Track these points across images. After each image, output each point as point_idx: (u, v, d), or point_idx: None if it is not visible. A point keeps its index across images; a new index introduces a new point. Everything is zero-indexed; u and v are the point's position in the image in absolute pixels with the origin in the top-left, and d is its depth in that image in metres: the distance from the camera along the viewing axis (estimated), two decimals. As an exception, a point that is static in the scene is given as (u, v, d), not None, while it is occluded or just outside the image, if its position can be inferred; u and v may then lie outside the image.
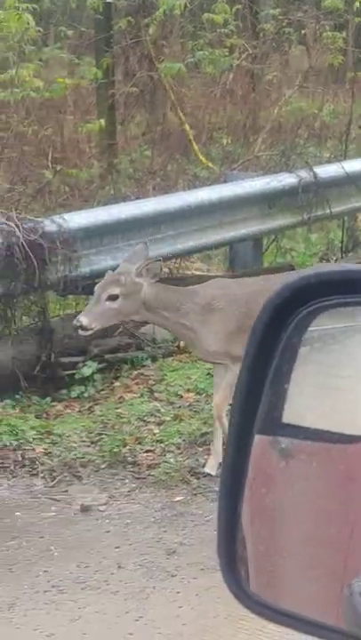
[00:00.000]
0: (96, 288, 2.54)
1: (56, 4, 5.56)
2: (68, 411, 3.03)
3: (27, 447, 2.69)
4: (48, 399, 3.09)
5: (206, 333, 2.55)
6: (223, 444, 2.37)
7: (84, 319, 2.42)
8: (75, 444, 2.67)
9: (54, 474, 2.47)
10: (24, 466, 2.57)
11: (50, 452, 2.59)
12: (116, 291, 2.44)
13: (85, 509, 2.25)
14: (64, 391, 3.15)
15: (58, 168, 3.77)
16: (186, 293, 2.65)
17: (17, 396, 3.02)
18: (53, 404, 3.08)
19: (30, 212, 3.36)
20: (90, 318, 2.42)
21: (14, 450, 2.71)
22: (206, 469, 2.43)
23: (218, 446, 2.42)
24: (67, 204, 3.58)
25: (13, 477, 2.59)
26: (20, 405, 3.01)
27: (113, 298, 2.45)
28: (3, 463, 2.69)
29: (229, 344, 2.48)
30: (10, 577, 1.96)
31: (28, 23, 3.91)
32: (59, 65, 4.63)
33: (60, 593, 1.84)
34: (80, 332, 2.51)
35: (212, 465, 2.41)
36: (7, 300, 3.21)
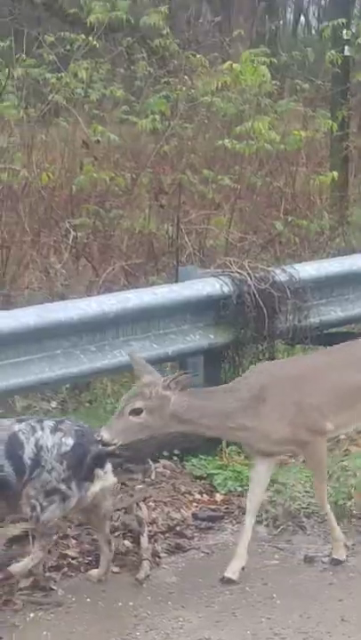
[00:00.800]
0: (121, 401, 2.53)
1: (293, 58, 5.92)
2: (293, 460, 3.10)
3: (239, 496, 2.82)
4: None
5: (265, 424, 2.40)
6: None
7: (105, 434, 2.25)
8: (299, 494, 2.71)
9: (278, 522, 2.54)
10: (248, 513, 2.78)
11: (274, 501, 2.67)
12: (139, 404, 2.32)
13: (309, 560, 2.30)
14: None
15: (289, 219, 3.97)
16: (224, 393, 2.52)
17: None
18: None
19: (260, 261, 3.60)
20: (112, 433, 2.26)
21: (238, 496, 2.85)
22: None
23: None
24: (296, 254, 3.74)
25: (237, 523, 2.71)
26: (245, 453, 3.22)
27: (137, 412, 2.32)
28: (228, 508, 2.85)
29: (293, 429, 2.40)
30: (234, 621, 2.10)
31: (264, 76, 4.17)
32: (294, 117, 4.89)
33: (282, 641, 1.89)
34: (102, 446, 2.36)
35: None
36: (236, 347, 3.45)
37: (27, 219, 3.66)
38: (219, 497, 2.96)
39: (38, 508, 1.94)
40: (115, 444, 2.25)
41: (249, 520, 2.32)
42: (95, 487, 2.12)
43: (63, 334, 2.90)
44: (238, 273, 3.30)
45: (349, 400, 2.62)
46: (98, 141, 3.97)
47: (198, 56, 4.13)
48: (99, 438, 2.28)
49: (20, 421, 2.14)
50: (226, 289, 3.29)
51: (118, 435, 2.26)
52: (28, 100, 3.81)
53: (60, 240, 3.72)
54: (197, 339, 3.37)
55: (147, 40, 4.41)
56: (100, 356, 3.02)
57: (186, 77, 4.00)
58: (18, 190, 3.62)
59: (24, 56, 3.84)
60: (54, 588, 2.23)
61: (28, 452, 2.04)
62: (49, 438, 2.07)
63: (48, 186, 3.79)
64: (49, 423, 2.12)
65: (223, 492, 2.95)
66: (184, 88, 4.10)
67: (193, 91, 4.09)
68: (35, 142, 3.82)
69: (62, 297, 3.41)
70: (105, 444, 2.24)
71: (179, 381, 2.33)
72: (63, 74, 3.77)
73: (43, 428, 2.09)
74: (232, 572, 2.23)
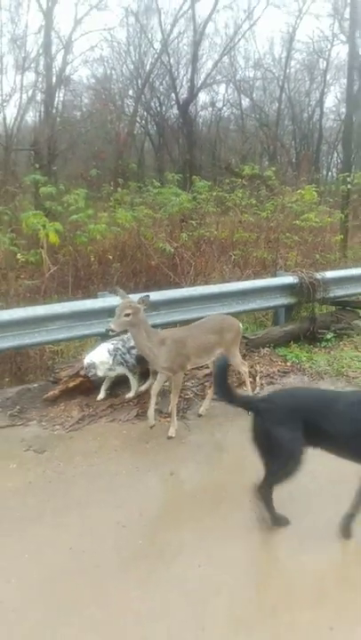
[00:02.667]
0: (117, 309, 3.86)
1: (326, 189, 11.19)
2: (319, 351, 6.01)
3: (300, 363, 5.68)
4: (310, 347, 6.09)
5: (159, 357, 4.04)
6: None
7: (113, 326, 3.81)
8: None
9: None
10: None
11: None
12: (128, 311, 3.81)
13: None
14: (318, 344, 6.15)
15: (321, 254, 8.85)
16: (152, 332, 4.06)
17: (298, 343, 6.37)
18: (314, 349, 6.09)
19: (309, 270, 8.54)
20: (115, 326, 3.80)
21: (294, 364, 5.40)
22: None
23: None
24: (324, 268, 8.59)
25: (296, 375, 5.36)
26: (300, 347, 6.26)
27: (127, 315, 3.82)
28: (292, 369, 5.36)
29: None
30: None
31: (314, 196, 9.34)
32: (325, 212, 9.84)
33: None
34: (110, 332, 3.88)
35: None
36: (299, 305, 6.46)
37: (215, 250, 8.81)
38: (288, 364, 5.59)
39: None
40: (115, 332, 3.87)
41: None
42: None
43: (237, 295, 5.88)
44: (300, 274, 6.36)
45: (204, 351, 4.32)
46: (241, 221, 9.19)
47: (287, 187, 9.34)
48: (108, 328, 3.84)
49: None
50: (295, 280, 6.24)
51: (117, 327, 3.83)
52: (216, 204, 9.12)
53: (227, 259, 8.79)
54: (282, 301, 6.28)
55: (266, 181, 9.72)
56: (243, 305, 6.06)
57: (281, 196, 9.19)
58: (212, 239, 8.83)
59: (216, 186, 9.27)
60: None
61: None
62: None
63: (223, 238, 8.97)
64: None
65: (290, 362, 5.65)
66: (279, 200, 9.30)
67: (283, 201, 9.26)
68: (219, 221, 9.10)
69: (227, 281, 8.43)
70: (112, 331, 3.85)
71: (144, 300, 3.89)
72: (231, 194, 9.13)
73: None
74: None
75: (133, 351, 4.63)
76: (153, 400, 4.30)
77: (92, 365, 4.61)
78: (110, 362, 4.63)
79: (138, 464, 3.80)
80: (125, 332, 4.48)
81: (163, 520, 3.18)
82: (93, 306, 5.22)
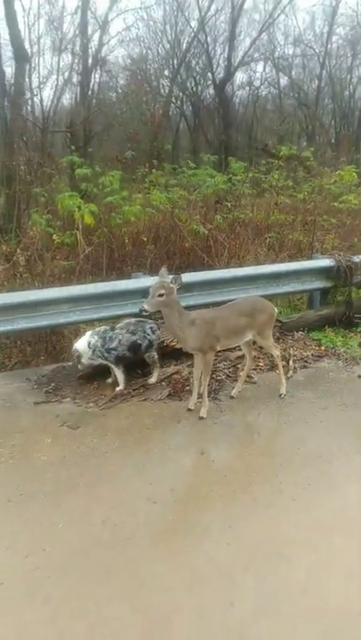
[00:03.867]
0: (151, 290, 3.88)
1: None
2: (355, 336, 6.06)
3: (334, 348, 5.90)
4: (346, 331, 6.13)
5: (189, 335, 4.05)
6: None
7: (146, 306, 3.81)
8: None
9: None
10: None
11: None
12: (161, 291, 3.85)
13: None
14: (354, 329, 6.17)
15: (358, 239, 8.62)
16: (184, 313, 4.06)
17: (333, 328, 6.35)
18: (349, 334, 6.14)
19: (346, 253, 8.33)
20: (149, 306, 3.82)
21: (328, 348, 5.53)
22: None
23: None
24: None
25: (330, 360, 5.38)
26: (335, 331, 6.43)
27: (160, 295, 3.85)
28: (326, 354, 5.45)
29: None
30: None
31: (354, 177, 9.06)
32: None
33: None
34: (143, 312, 3.89)
35: None
36: (335, 288, 6.52)
37: (249, 232, 8.70)
38: (323, 348, 5.67)
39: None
40: (149, 312, 3.86)
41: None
42: None
43: (271, 278, 5.99)
44: (337, 257, 6.40)
45: (233, 333, 4.31)
46: (277, 203, 9.03)
47: (325, 168, 9.07)
48: (142, 308, 3.81)
49: None
50: (332, 264, 6.30)
51: (151, 307, 3.84)
52: (252, 186, 8.97)
53: (261, 242, 8.67)
54: (318, 284, 6.39)
55: (303, 161, 9.48)
56: (277, 288, 6.14)
57: (319, 177, 8.95)
58: (246, 221, 8.71)
59: (252, 168, 9.12)
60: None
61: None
62: None
63: (258, 220, 8.85)
64: None
65: (324, 346, 5.71)
66: (317, 181, 9.07)
67: (321, 182, 9.01)
68: (254, 203, 8.97)
69: (261, 264, 8.36)
70: (145, 311, 3.84)
71: (176, 279, 3.89)
72: (268, 176, 8.96)
73: None
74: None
75: (114, 352, 4.60)
76: (196, 384, 4.33)
77: (77, 352, 4.64)
78: (90, 354, 4.63)
79: (169, 442, 3.85)
80: (113, 329, 4.66)
81: (193, 498, 3.22)
82: (127, 286, 5.26)
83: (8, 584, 2.56)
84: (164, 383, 4.81)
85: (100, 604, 2.44)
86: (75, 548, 2.79)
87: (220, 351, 4.58)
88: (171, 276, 3.96)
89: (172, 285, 3.88)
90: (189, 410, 4.29)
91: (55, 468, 3.53)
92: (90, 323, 5.51)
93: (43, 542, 2.83)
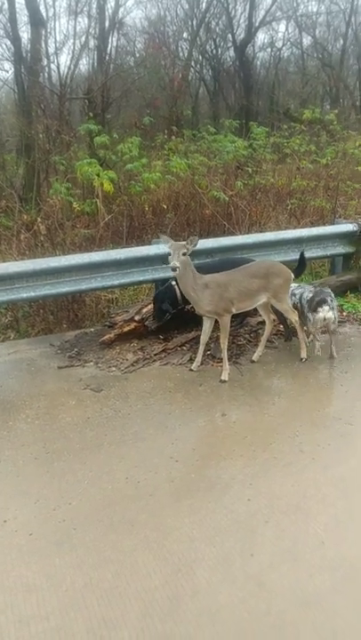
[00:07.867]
0: (172, 250, 3.94)
1: None
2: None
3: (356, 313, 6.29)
4: None
5: (203, 298, 4.14)
6: None
7: (177, 263, 3.88)
8: None
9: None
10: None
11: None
12: (184, 250, 3.95)
13: None
14: None
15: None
16: (198, 275, 4.12)
17: (355, 293, 6.57)
18: None
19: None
20: (179, 263, 3.88)
21: (349, 315, 6.35)
22: None
23: None
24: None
25: (351, 325, 5.95)
26: (357, 297, 6.40)
27: (184, 254, 3.95)
28: (348, 318, 6.13)
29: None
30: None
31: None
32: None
33: None
34: (174, 272, 3.96)
35: None
36: (357, 253, 6.70)
37: (271, 199, 8.56)
38: (344, 313, 5.86)
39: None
40: (179, 268, 3.90)
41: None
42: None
43: (292, 243, 6.04)
44: (360, 222, 6.89)
45: (246, 296, 4.32)
46: (299, 169, 8.82)
47: (350, 132, 8.80)
48: (174, 267, 3.88)
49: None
50: (355, 229, 6.41)
51: (181, 264, 3.92)
52: (273, 151, 8.78)
53: (283, 208, 8.53)
54: (341, 249, 6.45)
55: (327, 125, 9.20)
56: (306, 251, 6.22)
57: (343, 142, 8.70)
58: (268, 187, 8.56)
59: (274, 132, 8.89)
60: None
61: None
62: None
63: (279, 186, 8.69)
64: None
65: (346, 312, 5.95)
66: (341, 145, 8.81)
67: (345, 147, 8.76)
68: (276, 168, 8.79)
69: (283, 229, 8.25)
70: (176, 270, 3.89)
71: (192, 240, 3.99)
72: (290, 141, 8.74)
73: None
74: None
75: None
76: (201, 348, 4.40)
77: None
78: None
79: (191, 405, 3.92)
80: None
81: (214, 457, 3.29)
82: (148, 252, 5.28)
83: (37, 534, 2.69)
84: (185, 347, 4.86)
85: (125, 553, 2.54)
86: (99, 503, 2.90)
87: (235, 315, 4.56)
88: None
89: (189, 246, 3.94)
90: (191, 370, 4.41)
91: (80, 428, 3.63)
92: (110, 289, 5.56)
93: (69, 497, 2.95)
